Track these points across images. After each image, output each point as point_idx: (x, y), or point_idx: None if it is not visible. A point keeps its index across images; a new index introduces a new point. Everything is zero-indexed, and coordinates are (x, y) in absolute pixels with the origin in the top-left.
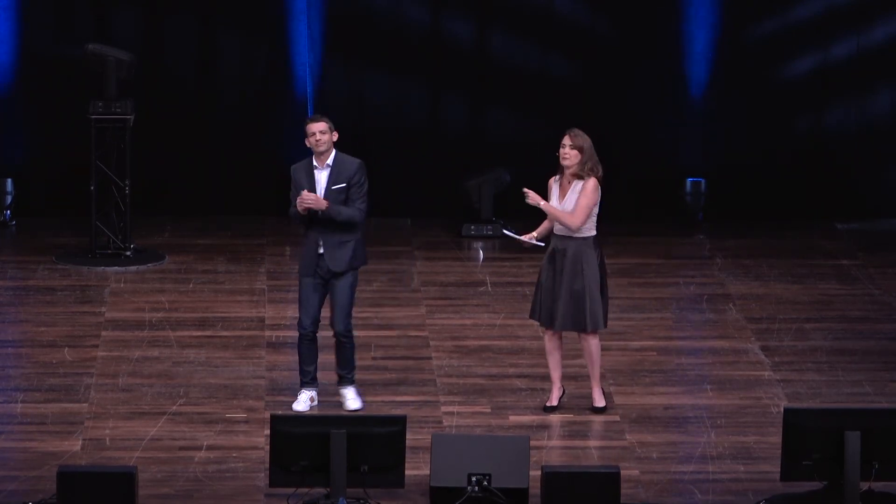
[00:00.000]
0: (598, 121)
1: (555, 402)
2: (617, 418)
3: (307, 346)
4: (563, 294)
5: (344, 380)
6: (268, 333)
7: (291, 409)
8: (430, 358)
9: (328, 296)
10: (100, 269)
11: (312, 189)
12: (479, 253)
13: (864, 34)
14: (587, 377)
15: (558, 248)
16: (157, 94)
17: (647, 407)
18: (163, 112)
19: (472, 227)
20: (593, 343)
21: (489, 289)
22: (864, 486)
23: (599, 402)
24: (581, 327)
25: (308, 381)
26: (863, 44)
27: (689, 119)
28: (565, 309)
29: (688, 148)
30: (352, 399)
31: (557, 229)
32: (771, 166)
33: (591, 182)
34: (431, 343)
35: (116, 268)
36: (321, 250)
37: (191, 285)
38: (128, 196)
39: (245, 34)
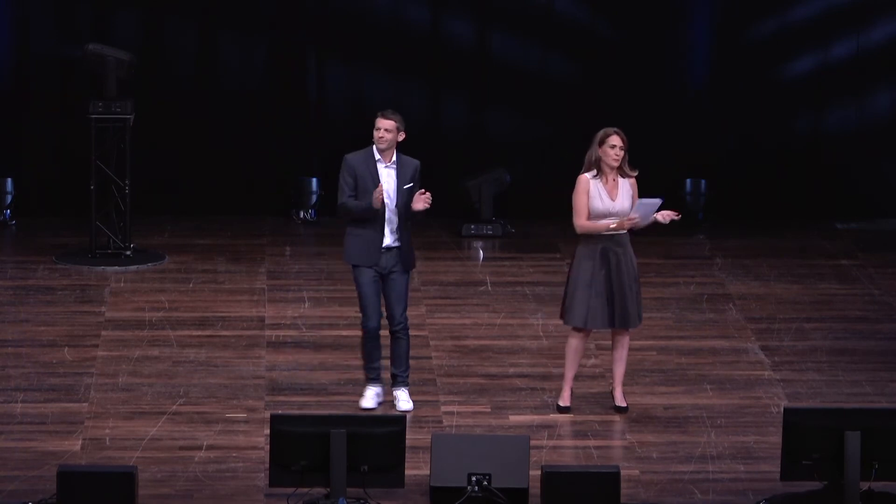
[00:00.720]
0: (598, 121)
1: (569, 402)
2: (617, 418)
3: (373, 344)
4: (629, 292)
5: (398, 379)
6: (268, 333)
7: (359, 407)
8: (430, 358)
9: (386, 290)
10: (100, 268)
11: (377, 183)
12: (479, 253)
13: (864, 34)
14: (587, 377)
15: (611, 247)
16: (157, 94)
17: (647, 407)
18: (163, 112)
19: (472, 227)
20: (628, 341)
21: (489, 288)
22: (864, 486)
23: (623, 401)
24: (634, 324)
25: (374, 377)
26: (863, 44)
27: (689, 119)
28: (633, 306)
29: (688, 148)
30: (405, 401)
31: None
32: (771, 166)
33: (634, 179)
34: (431, 342)
35: (116, 268)
36: (390, 243)
37: (191, 285)
38: (128, 196)
39: (245, 34)
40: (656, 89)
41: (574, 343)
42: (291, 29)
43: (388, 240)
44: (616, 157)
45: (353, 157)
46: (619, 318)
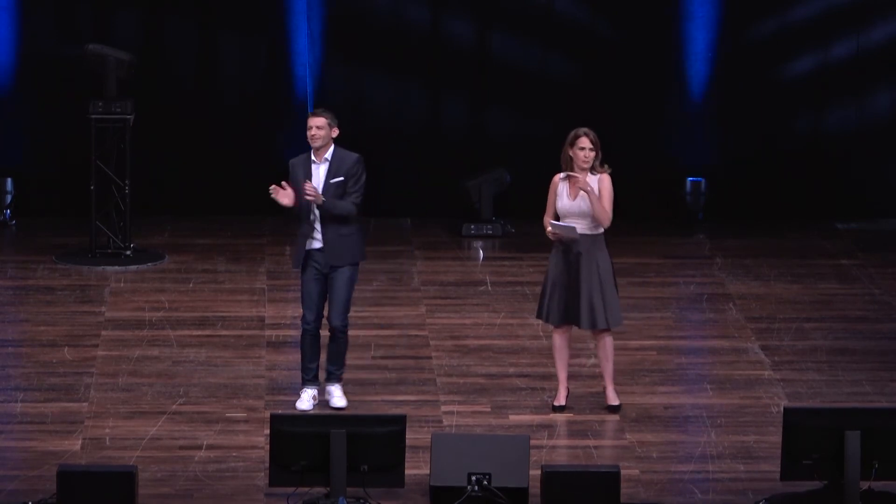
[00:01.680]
0: (598, 121)
1: (563, 402)
2: (617, 418)
3: (310, 343)
4: (584, 292)
5: (332, 376)
6: (268, 333)
7: (295, 407)
8: (429, 357)
9: (328, 290)
10: (100, 268)
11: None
12: (479, 253)
13: (864, 34)
14: (587, 376)
15: (572, 246)
16: (157, 94)
17: (647, 407)
18: (163, 112)
19: (472, 227)
20: (609, 341)
21: (489, 288)
22: (864, 485)
23: (614, 400)
24: (601, 325)
25: (310, 378)
26: (863, 44)
27: (689, 119)
28: (587, 306)
29: (688, 148)
30: (339, 397)
31: (578, 229)
32: (771, 166)
33: (608, 177)
34: (431, 342)
35: (116, 267)
36: (314, 245)
37: (191, 285)
38: (128, 196)
39: (245, 34)
40: (656, 89)
41: (554, 340)
42: (291, 29)
43: (322, 239)
44: (585, 159)
45: (294, 160)
46: (583, 318)
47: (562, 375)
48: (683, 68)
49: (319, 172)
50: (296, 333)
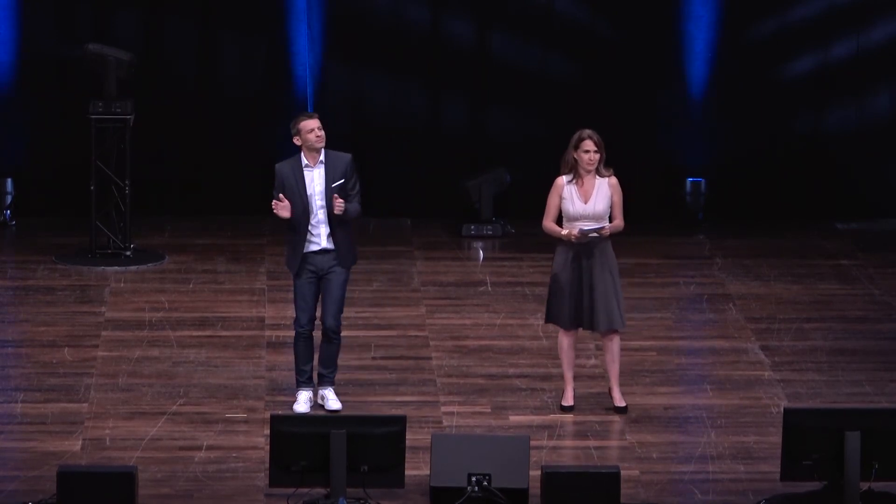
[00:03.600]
0: (598, 121)
1: (571, 402)
2: (617, 418)
3: (304, 345)
4: (600, 293)
5: (325, 379)
6: (268, 333)
7: (292, 410)
8: (430, 358)
9: (322, 291)
10: (100, 269)
11: (305, 189)
12: (479, 253)
13: (864, 34)
14: (587, 377)
15: (583, 248)
16: (157, 94)
17: (647, 407)
18: (163, 112)
19: (472, 227)
20: (617, 341)
21: (489, 289)
22: (864, 486)
23: (621, 402)
24: (617, 325)
25: (305, 380)
26: (863, 44)
27: (689, 119)
28: (603, 308)
29: (688, 148)
30: (333, 400)
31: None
32: (771, 166)
33: (617, 182)
34: (431, 343)
35: (116, 268)
36: (311, 248)
37: (191, 285)
38: (128, 196)
39: (245, 34)
40: (656, 89)
41: (562, 342)
42: (291, 29)
43: (321, 243)
44: (590, 161)
45: (281, 166)
46: (589, 319)
47: (569, 375)
48: (683, 68)
49: (314, 177)
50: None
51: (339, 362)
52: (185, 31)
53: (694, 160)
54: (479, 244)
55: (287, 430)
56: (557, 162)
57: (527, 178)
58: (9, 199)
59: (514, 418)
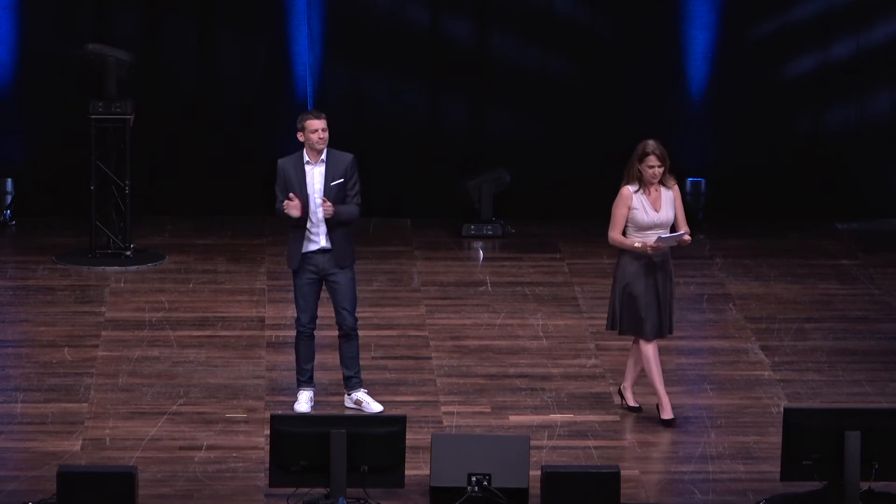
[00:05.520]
0: (598, 121)
1: (672, 414)
2: (617, 418)
3: (306, 344)
4: (670, 300)
5: (353, 381)
6: (268, 333)
7: (293, 410)
8: (430, 358)
9: (332, 293)
10: (100, 269)
11: (305, 186)
12: (479, 253)
13: (864, 34)
14: (587, 377)
15: (656, 258)
16: (157, 94)
17: (648, 407)
18: (163, 112)
19: (472, 227)
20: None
21: (489, 289)
22: (864, 486)
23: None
24: (671, 331)
25: (306, 380)
26: (863, 44)
27: (689, 119)
28: (669, 313)
29: (688, 148)
30: (371, 402)
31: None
32: (771, 166)
33: (677, 186)
34: (431, 343)
35: (116, 268)
36: (311, 247)
37: (191, 285)
38: (128, 196)
39: (245, 34)
40: (656, 89)
41: (649, 352)
42: (291, 29)
43: (320, 242)
44: (654, 176)
45: (284, 162)
46: (673, 324)
47: (662, 388)
48: (683, 68)
49: (314, 174)
50: (296, 334)
51: (337, 362)
52: (185, 31)
53: (694, 160)
54: (479, 244)
55: (287, 430)
56: (558, 162)
57: (527, 178)
58: (9, 199)
59: (514, 418)
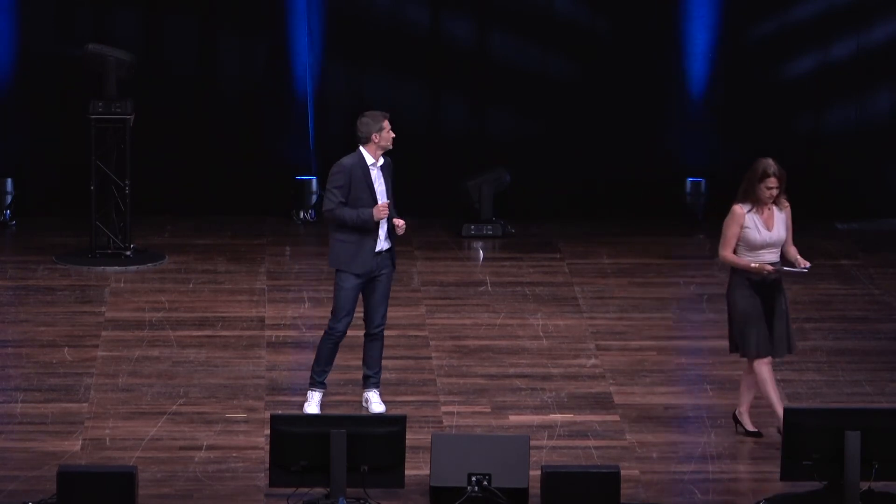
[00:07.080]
0: (598, 121)
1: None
2: (617, 418)
3: (334, 348)
4: (786, 319)
5: (372, 381)
6: (268, 333)
7: (303, 410)
8: (430, 358)
9: (371, 292)
10: (100, 269)
11: (374, 187)
12: (479, 253)
13: (864, 34)
14: (587, 376)
15: (769, 277)
16: (157, 94)
17: (647, 407)
18: (163, 112)
19: (472, 227)
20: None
21: (489, 289)
22: (864, 486)
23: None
24: (792, 351)
25: (322, 381)
26: (863, 44)
27: (689, 119)
28: (785, 334)
29: (688, 148)
30: (378, 403)
31: (770, 259)
32: None
33: (788, 205)
34: (431, 343)
35: (116, 268)
36: (379, 248)
37: (191, 285)
38: (128, 196)
39: (245, 34)
40: (656, 89)
41: (764, 372)
42: (291, 29)
43: (383, 243)
44: (771, 197)
45: (349, 161)
46: (792, 344)
47: (781, 407)
48: (683, 68)
49: (376, 175)
50: (296, 334)
51: (338, 362)
52: (185, 31)
53: (694, 160)
54: (479, 244)
55: (287, 430)
56: (558, 162)
57: (527, 178)
58: (9, 199)
59: (514, 418)
